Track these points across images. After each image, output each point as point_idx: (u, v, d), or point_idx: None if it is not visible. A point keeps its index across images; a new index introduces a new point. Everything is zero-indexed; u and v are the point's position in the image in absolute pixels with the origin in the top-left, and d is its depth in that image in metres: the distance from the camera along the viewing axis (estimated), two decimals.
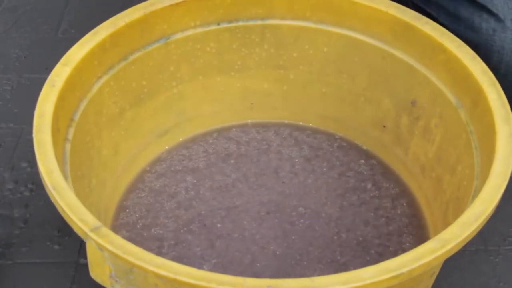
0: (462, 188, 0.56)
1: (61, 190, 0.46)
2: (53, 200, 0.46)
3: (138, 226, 0.66)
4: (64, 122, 0.55)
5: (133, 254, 0.42)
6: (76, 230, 0.44)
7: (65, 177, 0.52)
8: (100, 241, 0.42)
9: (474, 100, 0.56)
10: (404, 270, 0.41)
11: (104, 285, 0.45)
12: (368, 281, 0.40)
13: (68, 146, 0.55)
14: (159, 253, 0.64)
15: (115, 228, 0.66)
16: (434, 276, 0.53)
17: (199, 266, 0.61)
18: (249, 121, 0.76)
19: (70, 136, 0.56)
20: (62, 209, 0.45)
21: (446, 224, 0.59)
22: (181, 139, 0.66)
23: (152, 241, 0.65)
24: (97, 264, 0.44)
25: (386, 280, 0.40)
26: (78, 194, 0.55)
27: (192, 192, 0.68)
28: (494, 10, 0.68)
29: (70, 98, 0.57)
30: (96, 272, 0.44)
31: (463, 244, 0.44)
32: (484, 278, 0.67)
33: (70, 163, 0.54)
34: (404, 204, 0.67)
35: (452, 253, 0.43)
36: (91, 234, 0.43)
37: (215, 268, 0.61)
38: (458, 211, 0.55)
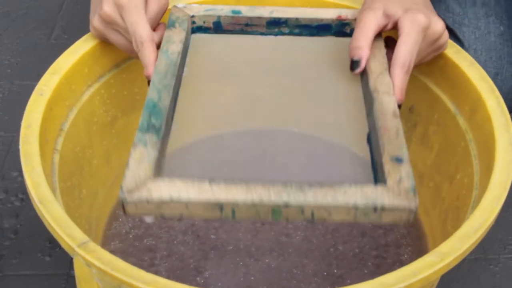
0: (461, 197, 0.55)
1: (48, 203, 0.45)
2: (39, 214, 0.45)
3: (130, 236, 0.65)
4: (53, 132, 0.54)
5: (122, 270, 0.40)
6: (63, 245, 0.43)
7: (53, 189, 0.50)
8: (88, 257, 0.41)
9: (472, 107, 0.55)
10: (401, 285, 0.39)
11: None
12: None
13: (57, 157, 0.54)
14: (151, 264, 0.62)
15: (107, 238, 0.64)
16: None
17: (192, 278, 0.60)
18: (243, 128, 0.74)
19: (59, 146, 0.54)
20: (49, 224, 0.43)
21: (445, 234, 0.57)
22: (174, 147, 0.64)
23: (144, 252, 0.64)
24: (85, 280, 0.42)
25: None
26: (68, 206, 0.54)
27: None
28: (461, 37, 0.68)
29: (59, 107, 0.55)
30: None
31: (462, 258, 0.42)
32: (484, 287, 0.65)
33: (59, 174, 0.53)
34: None
35: (451, 267, 0.42)
36: (78, 250, 0.41)
37: (208, 281, 0.60)
38: (458, 221, 0.54)
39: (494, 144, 0.49)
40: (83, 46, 0.58)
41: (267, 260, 0.62)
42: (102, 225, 0.65)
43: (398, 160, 0.44)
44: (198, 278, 0.61)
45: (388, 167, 0.43)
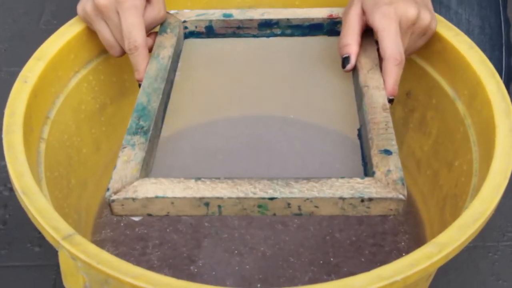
0: (460, 184, 0.53)
1: (32, 195, 0.43)
2: (23, 206, 0.43)
3: (121, 225, 0.63)
4: (38, 121, 0.52)
5: (108, 264, 0.39)
6: (47, 238, 0.41)
7: (39, 180, 0.49)
8: (73, 250, 0.39)
9: (471, 91, 0.53)
10: (398, 277, 0.38)
11: None
12: None
13: (42, 146, 0.52)
14: (143, 253, 0.61)
15: (98, 227, 0.63)
16: (431, 279, 0.51)
17: (185, 268, 0.59)
18: (237, 114, 0.73)
19: (45, 135, 0.53)
20: (33, 216, 0.42)
21: (443, 222, 0.56)
22: (166, 135, 0.63)
23: (136, 240, 0.62)
24: (70, 274, 0.41)
25: None
26: (55, 196, 0.52)
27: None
28: None
29: (45, 94, 0.54)
30: (70, 282, 0.41)
31: (461, 248, 0.41)
32: (483, 276, 0.64)
33: (45, 164, 0.51)
34: None
35: (450, 258, 0.40)
36: (63, 243, 0.40)
37: (202, 270, 0.58)
38: (456, 209, 0.52)
39: (494, 130, 0.48)
40: (69, 31, 0.56)
41: (262, 249, 0.60)
42: (92, 214, 0.63)
43: (386, 152, 0.44)
44: (191, 267, 0.59)
45: (376, 159, 0.43)
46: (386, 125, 0.46)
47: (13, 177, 0.44)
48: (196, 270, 0.59)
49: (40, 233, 0.67)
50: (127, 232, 0.63)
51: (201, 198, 0.42)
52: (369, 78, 0.51)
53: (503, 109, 0.49)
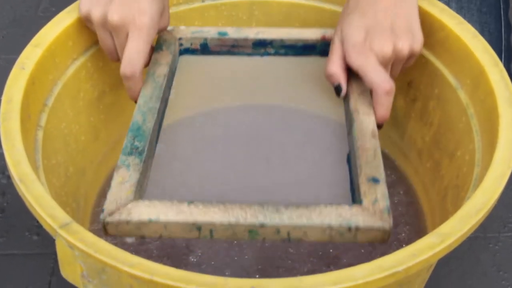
0: (462, 175, 0.53)
1: (29, 182, 0.43)
2: (20, 194, 0.42)
3: None
4: (36, 108, 0.52)
5: (106, 252, 0.38)
6: (44, 226, 0.41)
7: (36, 167, 0.48)
8: (70, 238, 0.39)
9: (474, 81, 0.53)
10: (400, 268, 0.37)
11: (76, 285, 0.41)
12: (361, 281, 0.37)
13: (40, 134, 0.51)
14: (141, 243, 0.60)
15: (96, 215, 0.62)
16: (431, 269, 0.50)
17: (184, 257, 0.58)
18: (238, 103, 0.72)
19: (43, 123, 0.52)
20: (30, 204, 0.41)
21: (444, 212, 0.56)
22: (166, 123, 0.62)
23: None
24: (67, 262, 0.40)
25: (380, 279, 0.37)
26: (52, 184, 0.52)
27: (178, 179, 0.63)
28: None
29: (43, 81, 0.53)
30: (67, 271, 0.41)
31: (463, 239, 0.40)
32: (483, 267, 0.64)
33: (42, 152, 0.50)
34: (401, 192, 0.63)
35: (452, 248, 0.40)
36: (60, 231, 0.39)
37: (200, 260, 0.58)
38: (458, 199, 0.52)
39: (498, 120, 0.47)
40: (67, 18, 0.55)
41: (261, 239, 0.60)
42: (90, 203, 0.63)
43: (374, 180, 0.45)
44: (190, 257, 0.59)
45: (364, 187, 0.44)
46: (374, 152, 0.47)
47: (10, 164, 0.43)
48: (195, 260, 0.59)
49: (38, 221, 0.66)
50: None
51: (193, 223, 0.43)
52: (360, 103, 0.52)
53: (507, 98, 0.48)
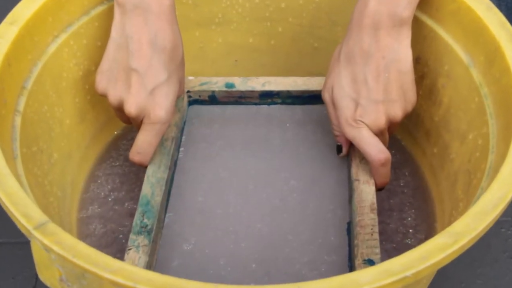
0: (474, 160, 0.49)
1: (1, 177, 0.39)
2: None
3: (109, 200, 0.59)
4: (13, 92, 0.48)
5: (85, 257, 0.35)
6: (18, 226, 0.37)
7: (13, 157, 0.45)
8: (46, 241, 0.35)
9: (489, 57, 0.48)
10: (409, 273, 0.34)
11: None
12: (366, 287, 0.33)
13: (18, 119, 0.48)
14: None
15: (85, 202, 0.59)
16: None
17: (177, 246, 0.55)
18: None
19: (21, 107, 0.48)
20: (2, 201, 0.38)
21: (454, 199, 0.52)
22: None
23: (125, 216, 0.58)
24: (44, 266, 0.37)
25: (387, 286, 0.34)
26: (33, 174, 0.48)
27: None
28: None
29: (20, 62, 0.49)
30: (45, 275, 0.38)
31: (478, 238, 0.37)
32: (494, 253, 0.61)
33: (21, 139, 0.47)
34: (407, 174, 0.60)
35: (465, 249, 0.36)
36: (35, 232, 0.36)
37: (194, 248, 0.55)
38: (470, 187, 0.48)
39: None
40: None
41: (258, 226, 0.56)
42: (78, 189, 0.59)
43: (370, 262, 0.47)
44: (183, 246, 0.55)
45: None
46: (372, 229, 0.49)
47: None
48: (189, 248, 0.55)
49: None
50: (115, 208, 0.59)
51: None
52: (361, 170, 0.54)
53: None
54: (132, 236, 0.49)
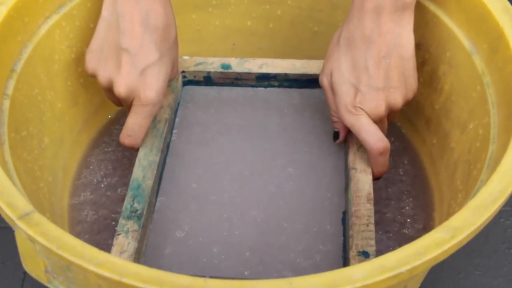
0: (474, 150, 0.47)
1: None
2: None
3: (102, 186, 0.58)
4: (1, 74, 0.47)
5: (70, 248, 0.34)
6: (3, 215, 0.36)
7: (1, 143, 0.43)
8: (30, 231, 0.34)
9: (492, 45, 0.47)
10: (403, 269, 0.33)
11: (40, 281, 0.37)
12: (359, 284, 0.32)
13: (6, 103, 0.46)
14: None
15: (77, 189, 0.58)
16: None
17: (170, 233, 0.54)
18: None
19: (10, 91, 0.47)
20: None
21: (453, 189, 0.51)
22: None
23: (117, 203, 0.57)
24: (29, 257, 0.36)
25: (381, 282, 0.33)
26: (22, 159, 0.47)
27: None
28: None
29: (9, 44, 0.48)
30: (30, 266, 0.37)
31: (476, 233, 0.36)
32: (493, 244, 0.60)
33: (9, 124, 0.46)
34: (406, 162, 0.59)
35: (463, 244, 0.35)
36: (19, 223, 0.35)
37: (188, 235, 0.54)
38: (469, 178, 0.47)
39: None
40: None
41: (253, 213, 0.55)
42: (70, 175, 0.58)
43: (364, 254, 0.46)
44: (176, 233, 0.54)
45: (353, 262, 0.45)
46: (368, 220, 0.47)
47: None
48: (182, 235, 0.54)
49: None
50: (108, 194, 0.58)
51: None
52: (358, 158, 0.52)
53: None
54: (121, 221, 0.48)
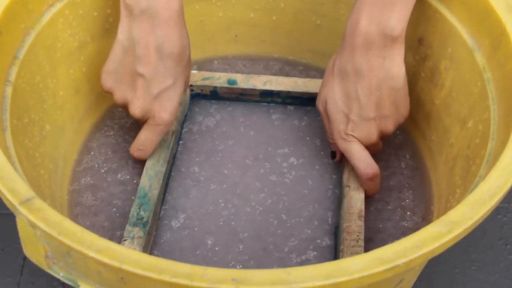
0: (474, 146, 0.48)
1: None
2: None
3: (102, 171, 0.58)
4: (4, 61, 0.47)
5: (71, 234, 0.34)
6: (4, 201, 0.36)
7: (2, 129, 0.44)
8: (31, 217, 0.35)
9: (494, 42, 0.47)
10: (400, 262, 0.33)
11: (41, 266, 0.37)
12: (357, 275, 0.33)
13: (9, 90, 0.46)
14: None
15: (77, 174, 0.58)
16: None
17: (166, 222, 0.54)
18: (232, 54, 0.67)
19: (12, 77, 0.47)
20: None
21: (451, 184, 0.51)
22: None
23: (116, 185, 0.57)
24: (30, 242, 0.36)
25: (378, 274, 0.33)
26: (24, 146, 0.47)
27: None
28: None
29: (12, 31, 0.48)
30: (30, 251, 0.37)
31: (474, 227, 0.36)
32: (490, 240, 0.60)
33: (11, 110, 0.46)
34: (407, 155, 0.59)
35: (460, 238, 0.35)
36: (21, 208, 0.35)
37: (187, 222, 0.54)
38: (468, 173, 0.47)
39: None
40: None
41: (253, 203, 0.55)
42: (71, 163, 0.58)
43: None
44: (172, 222, 0.55)
45: None
46: (358, 236, 0.49)
47: None
48: (181, 222, 0.55)
49: None
50: (108, 179, 0.58)
51: None
52: (352, 176, 0.54)
53: None
54: (128, 227, 0.50)
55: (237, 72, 0.66)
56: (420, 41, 0.55)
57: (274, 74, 0.66)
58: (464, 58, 0.51)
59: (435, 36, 0.54)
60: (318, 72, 0.66)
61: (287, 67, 0.67)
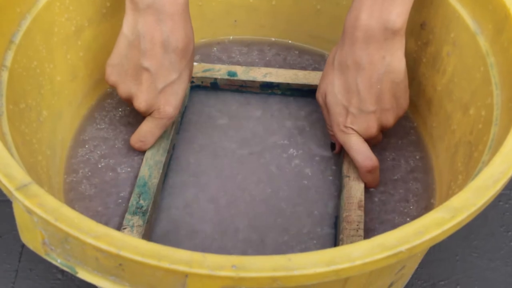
0: (476, 132, 0.47)
1: None
2: None
3: (99, 157, 0.57)
4: (0, 45, 0.46)
5: (68, 220, 0.34)
6: (0, 187, 0.36)
7: None
8: (28, 203, 0.34)
9: (497, 26, 0.46)
10: (403, 248, 0.33)
11: (38, 252, 0.37)
12: (359, 262, 0.32)
13: (5, 75, 0.46)
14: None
15: (74, 163, 0.57)
16: None
17: (170, 208, 0.54)
18: (231, 37, 0.67)
19: (8, 62, 0.46)
20: None
21: (453, 171, 0.51)
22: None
23: (109, 171, 0.56)
24: (27, 228, 0.36)
25: (380, 260, 0.32)
26: (21, 132, 0.47)
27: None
28: None
29: (7, 15, 0.47)
30: (27, 237, 0.36)
31: (477, 213, 0.35)
32: (491, 227, 0.59)
33: (7, 95, 0.45)
34: (410, 143, 0.58)
35: (463, 225, 0.35)
36: (17, 194, 0.35)
37: (186, 211, 0.54)
38: (470, 159, 0.47)
39: None
40: None
41: (253, 192, 0.55)
42: (68, 149, 0.58)
43: None
44: (174, 209, 0.54)
45: None
46: (357, 225, 0.49)
47: None
48: (178, 212, 0.54)
49: None
50: (102, 164, 0.57)
51: None
52: (352, 167, 0.54)
53: None
54: (127, 216, 0.50)
55: (233, 55, 0.65)
56: (422, 26, 0.55)
57: (269, 59, 0.65)
58: (467, 42, 0.50)
59: (438, 21, 0.53)
60: (311, 56, 0.65)
61: (284, 52, 0.66)
